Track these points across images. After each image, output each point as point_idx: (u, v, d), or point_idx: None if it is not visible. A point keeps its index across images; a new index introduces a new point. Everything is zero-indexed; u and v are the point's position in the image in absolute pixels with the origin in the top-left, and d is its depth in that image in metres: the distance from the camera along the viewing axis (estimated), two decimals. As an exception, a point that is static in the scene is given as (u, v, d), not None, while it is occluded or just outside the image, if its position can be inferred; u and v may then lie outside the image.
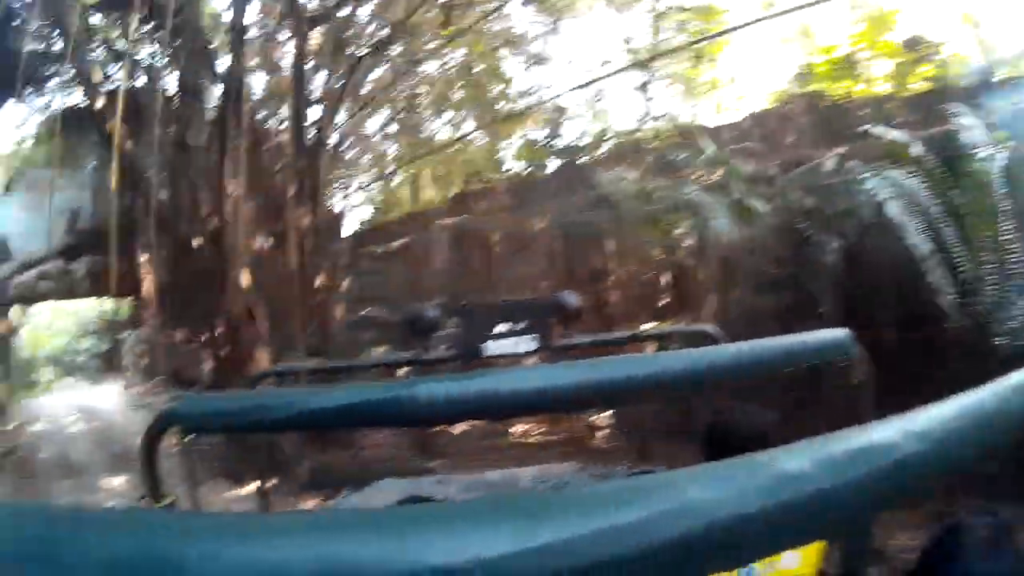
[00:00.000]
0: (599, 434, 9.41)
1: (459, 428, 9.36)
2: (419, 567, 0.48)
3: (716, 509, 0.54)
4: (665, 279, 10.07)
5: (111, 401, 15.32)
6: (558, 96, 12.82)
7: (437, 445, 8.82)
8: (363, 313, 11.07)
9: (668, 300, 9.85)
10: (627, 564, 0.51)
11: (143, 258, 15.21)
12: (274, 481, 7.85)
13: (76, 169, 15.36)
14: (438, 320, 1.96)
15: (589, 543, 0.50)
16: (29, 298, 16.50)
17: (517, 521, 0.51)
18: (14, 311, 17.31)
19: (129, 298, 17.30)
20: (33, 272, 16.25)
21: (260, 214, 9.35)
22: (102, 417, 13.60)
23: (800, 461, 0.59)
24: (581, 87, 12.54)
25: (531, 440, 9.50)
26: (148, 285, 14.83)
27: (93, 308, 19.88)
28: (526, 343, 1.79)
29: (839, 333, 1.43)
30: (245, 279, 8.90)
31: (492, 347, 1.78)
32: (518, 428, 9.50)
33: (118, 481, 8.80)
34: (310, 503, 6.88)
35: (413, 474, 3.44)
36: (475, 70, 12.01)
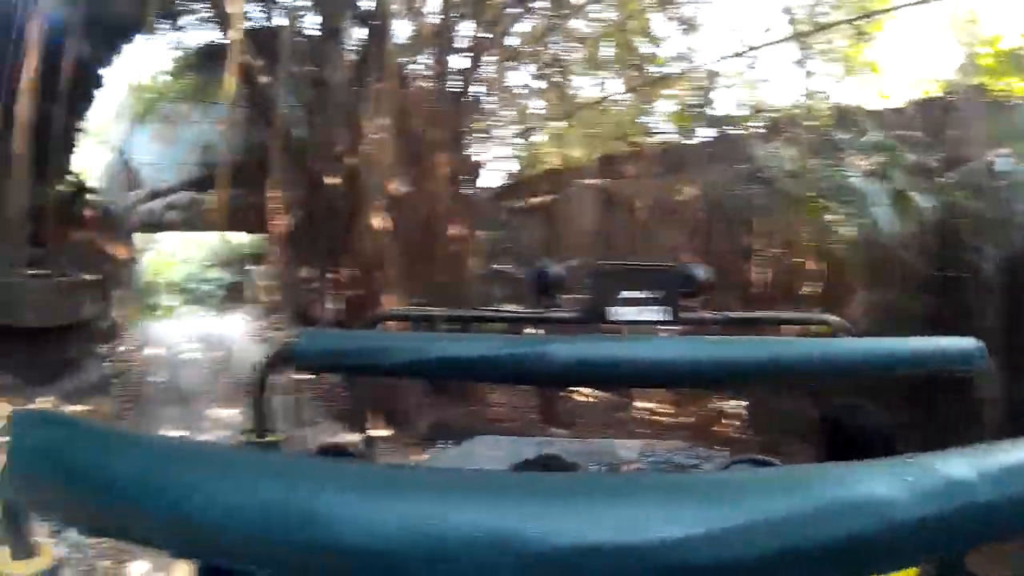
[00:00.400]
0: (726, 422, 8.66)
1: (584, 399, 9.00)
2: (602, 543, 0.45)
3: (890, 508, 0.52)
4: (811, 265, 9.33)
5: (231, 332, 15.50)
6: (712, 62, 11.97)
7: (561, 413, 8.44)
8: (495, 267, 10.74)
9: (811, 287, 9.13)
10: (800, 556, 0.49)
11: (275, 194, 15.51)
12: (389, 431, 7.61)
13: (210, 104, 15.68)
14: (564, 279, 1.93)
15: (765, 531, 0.48)
16: (155, 226, 17.12)
17: (690, 501, 0.49)
18: (139, 237, 18.07)
19: (259, 233, 17.64)
20: (161, 201, 16.84)
21: (398, 158, 8.99)
22: (219, 347, 13.78)
23: (966, 467, 0.56)
24: (737, 55, 11.61)
25: (657, 418, 8.97)
26: (278, 221, 15.08)
27: (221, 240, 20.35)
28: (652, 312, 1.75)
29: (968, 342, 1.29)
30: (378, 221, 8.63)
31: (618, 313, 1.75)
32: (644, 404, 9.00)
33: (228, 413, 8.79)
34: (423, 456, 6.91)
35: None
36: (626, 29, 11.25)
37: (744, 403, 8.58)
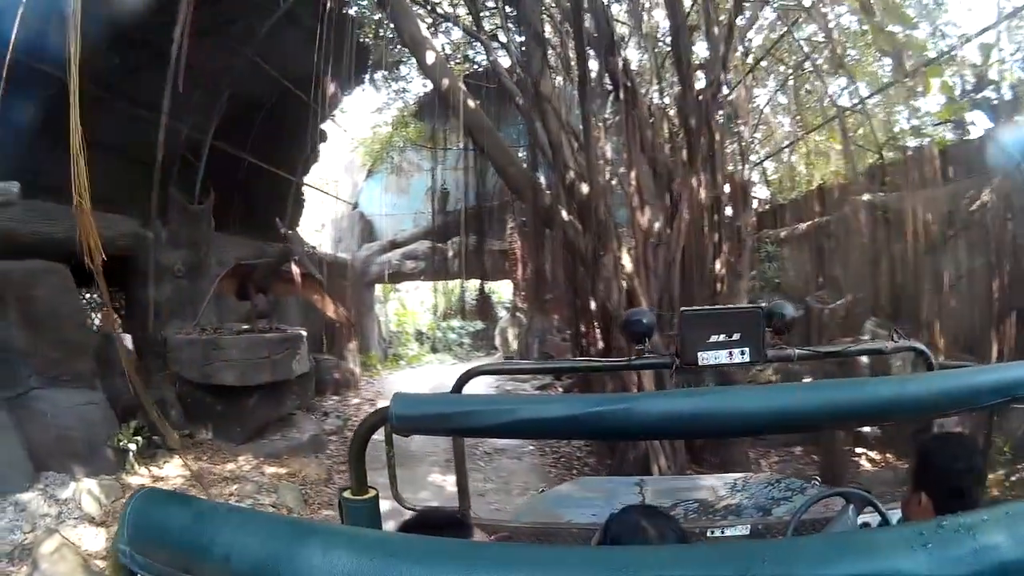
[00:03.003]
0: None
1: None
2: None
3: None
4: None
5: (472, 383, 14.99)
6: (983, 33, 8.80)
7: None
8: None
9: None
10: None
11: (517, 238, 15.00)
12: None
13: (441, 150, 15.74)
14: (653, 325, 2.03)
15: None
16: (395, 276, 17.52)
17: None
18: (380, 288, 18.75)
19: (502, 279, 17.32)
20: (400, 251, 17.22)
21: (647, 190, 7.60)
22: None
23: (993, 529, 0.59)
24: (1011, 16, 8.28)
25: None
26: (522, 265, 14.50)
27: (462, 288, 20.45)
28: (739, 354, 1.89)
29: None
30: (627, 261, 7.28)
31: (706, 357, 1.88)
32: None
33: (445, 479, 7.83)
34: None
35: None
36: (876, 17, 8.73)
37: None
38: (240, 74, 9.59)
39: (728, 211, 8.13)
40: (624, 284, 7.18)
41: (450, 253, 16.19)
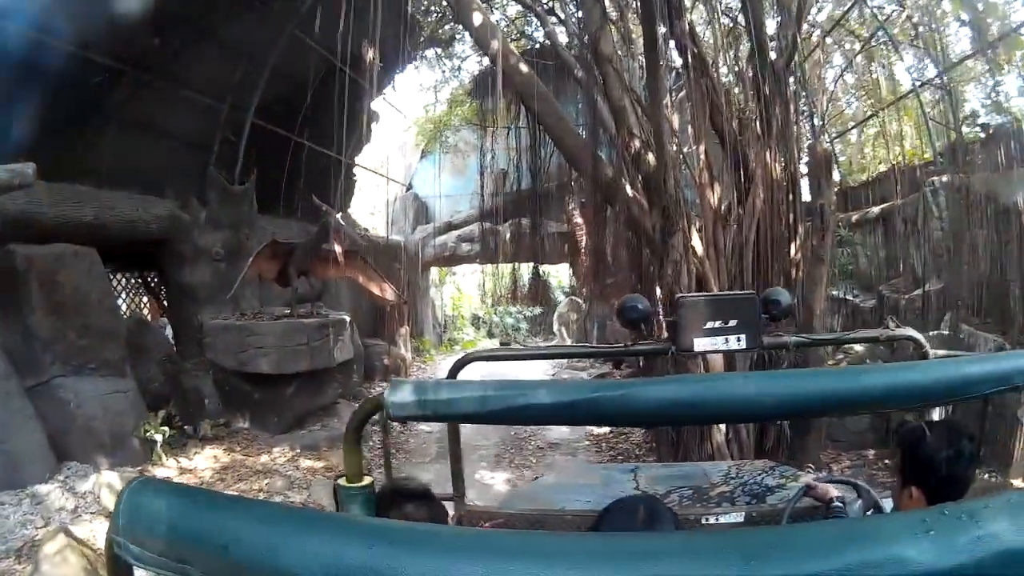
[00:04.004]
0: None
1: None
2: None
3: (915, 565, 0.56)
4: None
5: (526, 367, 14.36)
6: None
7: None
8: (833, 293, 7.92)
9: None
10: None
11: (578, 220, 14.35)
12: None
13: (497, 129, 15.15)
14: (649, 312, 2.05)
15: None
16: (450, 259, 17.09)
17: (720, 562, 0.57)
18: (436, 272, 18.36)
19: (562, 262, 16.71)
20: (455, 233, 16.77)
21: (713, 166, 6.85)
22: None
23: (995, 516, 0.59)
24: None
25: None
26: (580, 249, 13.86)
27: (514, 271, 19.89)
28: (735, 341, 1.90)
29: None
30: (697, 242, 6.52)
31: (702, 343, 1.90)
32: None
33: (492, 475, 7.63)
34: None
35: None
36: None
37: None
38: (282, 50, 9.24)
39: (805, 189, 7.26)
40: (694, 267, 6.43)
41: (506, 235, 15.64)
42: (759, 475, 2.96)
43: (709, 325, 1.89)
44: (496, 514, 2.52)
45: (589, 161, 8.08)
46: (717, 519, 2.49)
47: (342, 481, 1.29)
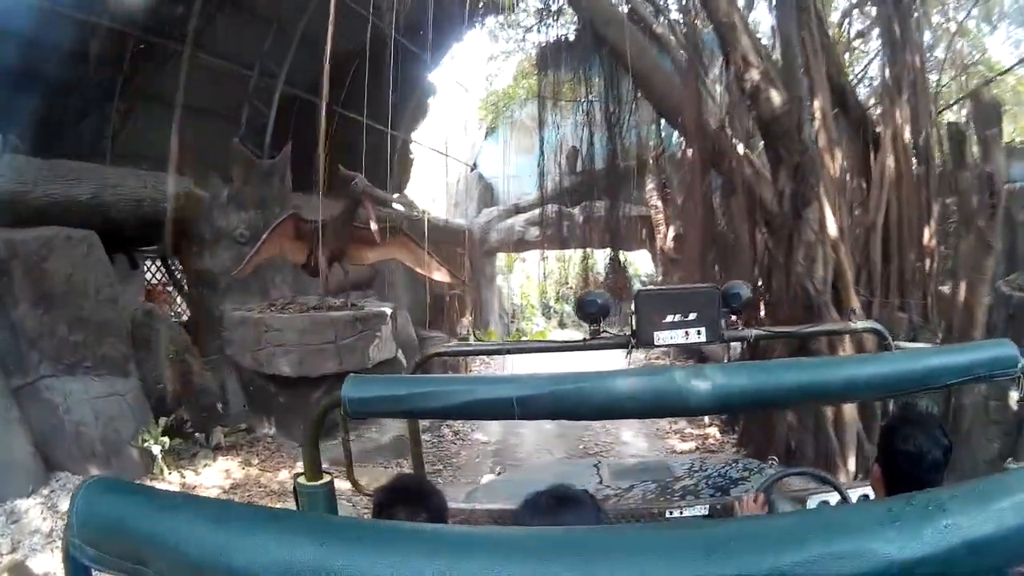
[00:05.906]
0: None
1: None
2: None
3: (883, 554, 0.54)
4: None
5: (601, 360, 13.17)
6: None
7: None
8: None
9: None
10: None
11: (658, 203, 13.03)
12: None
13: (567, 103, 13.86)
14: (609, 306, 2.04)
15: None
16: (518, 244, 15.99)
17: (688, 554, 0.54)
18: (504, 258, 17.26)
19: (638, 250, 15.40)
20: (523, 216, 15.64)
21: (831, 128, 5.38)
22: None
23: (962, 505, 0.58)
24: None
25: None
26: (665, 233, 12.58)
27: (584, 258, 18.63)
28: (695, 334, 1.92)
29: (1003, 347, 1.21)
30: (831, 223, 4.98)
31: (662, 336, 1.91)
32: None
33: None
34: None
35: None
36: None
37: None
38: (320, 15, 8.34)
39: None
40: (831, 255, 4.96)
41: (580, 219, 14.41)
42: (723, 467, 2.98)
43: (669, 319, 1.89)
44: (456, 511, 2.37)
45: (688, 102, 6.50)
46: (681, 512, 2.46)
47: (302, 480, 1.26)
